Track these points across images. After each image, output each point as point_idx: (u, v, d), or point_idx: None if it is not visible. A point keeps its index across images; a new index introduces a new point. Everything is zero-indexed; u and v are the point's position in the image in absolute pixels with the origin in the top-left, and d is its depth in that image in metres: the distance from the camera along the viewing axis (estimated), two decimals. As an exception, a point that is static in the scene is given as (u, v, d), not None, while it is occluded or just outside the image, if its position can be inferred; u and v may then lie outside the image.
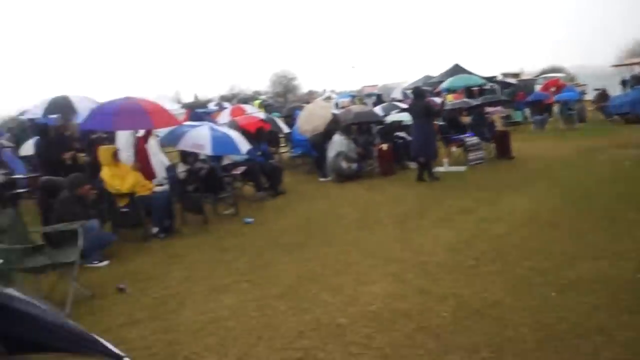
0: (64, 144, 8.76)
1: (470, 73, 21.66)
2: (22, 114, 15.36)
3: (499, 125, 14.19)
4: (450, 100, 16.40)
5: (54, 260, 4.94)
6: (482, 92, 19.80)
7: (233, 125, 10.55)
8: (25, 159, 10.68)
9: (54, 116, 10.24)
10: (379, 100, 22.55)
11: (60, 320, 2.62)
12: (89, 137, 10.62)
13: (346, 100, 24.98)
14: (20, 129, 14.23)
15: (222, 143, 8.15)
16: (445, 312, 4.09)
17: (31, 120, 12.36)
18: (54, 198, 7.07)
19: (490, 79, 23.05)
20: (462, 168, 10.74)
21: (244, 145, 8.59)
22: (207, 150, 8.01)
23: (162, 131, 8.64)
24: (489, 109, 13.88)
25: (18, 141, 12.52)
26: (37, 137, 9.82)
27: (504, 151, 11.58)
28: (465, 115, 12.71)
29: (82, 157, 8.98)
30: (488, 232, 6.12)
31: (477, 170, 10.54)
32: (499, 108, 16.23)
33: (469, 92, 19.21)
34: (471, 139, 11.22)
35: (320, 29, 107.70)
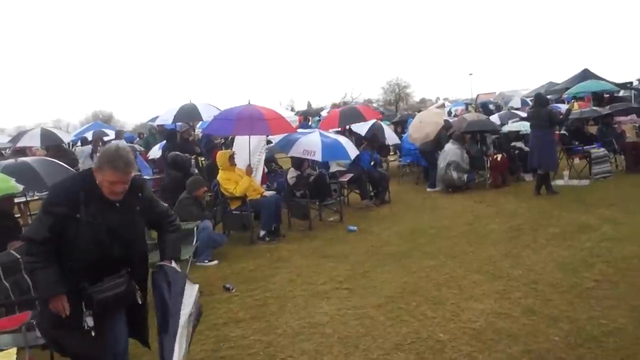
0: (188, 148, 9.49)
1: (600, 79, 19.95)
2: (153, 120, 16.77)
3: (631, 136, 12.89)
4: (576, 108, 15.24)
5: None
6: (613, 99, 18.14)
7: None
8: (152, 161, 11.62)
9: (181, 123, 11.13)
10: (498, 108, 21.59)
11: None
12: (212, 142, 11.41)
13: (460, 108, 24.23)
14: (150, 134, 15.51)
15: (332, 149, 8.43)
16: (556, 337, 3.79)
17: (160, 126, 13.51)
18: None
19: (624, 85, 21.08)
20: (585, 182, 9.91)
21: (353, 151, 8.72)
22: (317, 157, 8.24)
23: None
24: (619, 118, 12.68)
25: (147, 145, 13.64)
26: (164, 142, 10.72)
27: (634, 164, 10.50)
28: (592, 124, 11.74)
29: (202, 160, 9.66)
30: (611, 253, 5.57)
31: (602, 184, 9.67)
32: (632, 117, 14.75)
33: (598, 99, 17.70)
34: (597, 150, 10.32)
35: (436, 35, 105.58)
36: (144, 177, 8.07)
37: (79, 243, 2.84)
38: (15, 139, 13.51)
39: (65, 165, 7.00)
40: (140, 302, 3.10)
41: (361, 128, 12.08)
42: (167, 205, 3.42)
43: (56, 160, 7.06)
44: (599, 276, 4.92)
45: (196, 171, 9.40)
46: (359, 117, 11.94)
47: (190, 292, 3.17)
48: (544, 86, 24.28)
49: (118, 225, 2.93)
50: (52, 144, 12.09)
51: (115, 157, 2.85)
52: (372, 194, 9.72)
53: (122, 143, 3.02)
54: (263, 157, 8.95)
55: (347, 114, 12.13)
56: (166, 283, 3.10)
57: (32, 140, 12.29)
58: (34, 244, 2.84)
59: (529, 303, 4.45)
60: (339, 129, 11.84)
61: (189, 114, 11.23)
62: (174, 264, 3.22)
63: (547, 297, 4.53)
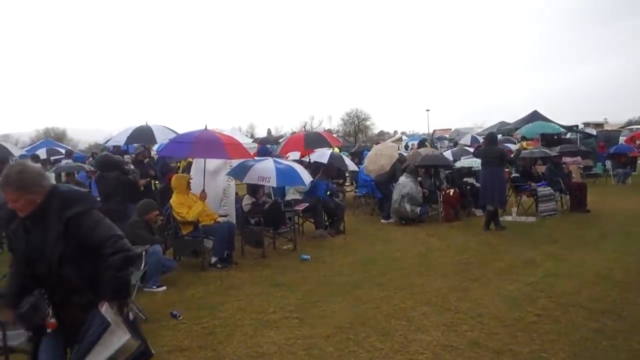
0: (142, 170, 9.30)
1: (549, 121, 20.90)
2: (107, 141, 16.41)
3: (576, 177, 13.52)
4: (526, 147, 15.89)
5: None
6: (560, 141, 19.02)
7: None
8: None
9: (137, 144, 10.93)
10: (455, 145, 22.23)
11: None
12: (168, 165, 11.23)
13: (416, 142, 24.81)
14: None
15: (286, 175, 8.43)
16: (499, 370, 3.85)
17: (116, 147, 13.22)
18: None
19: (570, 128, 22.15)
20: (531, 219, 10.28)
21: (307, 178, 8.79)
22: (272, 183, 8.25)
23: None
24: (566, 159, 13.31)
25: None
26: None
27: (579, 204, 11.00)
28: (540, 164, 12.25)
29: (156, 183, 9.48)
30: (554, 288, 5.76)
31: (547, 222, 10.04)
32: (577, 158, 15.52)
33: (546, 140, 18.53)
34: (543, 189, 10.75)
35: (397, 69, 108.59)
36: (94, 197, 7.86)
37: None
38: None
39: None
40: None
41: (321, 158, 12.21)
42: (113, 232, 2.87)
43: None
44: (541, 311, 5.06)
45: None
46: (323, 142, 12.09)
47: (110, 343, 2.77)
48: (496, 125, 25.21)
49: (29, 244, 2.83)
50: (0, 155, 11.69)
51: (2, 174, 2.84)
52: (327, 223, 9.76)
53: (25, 163, 2.78)
54: (233, 182, 8.96)
55: (312, 138, 12.26)
56: (87, 326, 2.77)
57: None
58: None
59: (474, 336, 4.52)
60: (300, 154, 11.97)
61: (142, 136, 11.03)
62: (105, 309, 2.75)
63: (492, 331, 4.62)
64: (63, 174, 11.86)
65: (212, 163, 8.50)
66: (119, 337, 2.80)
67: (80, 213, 2.84)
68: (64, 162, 14.00)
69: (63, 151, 17.99)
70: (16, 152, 13.62)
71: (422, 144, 17.84)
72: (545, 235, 8.69)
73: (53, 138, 44.16)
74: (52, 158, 16.95)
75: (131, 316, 2.96)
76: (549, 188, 10.81)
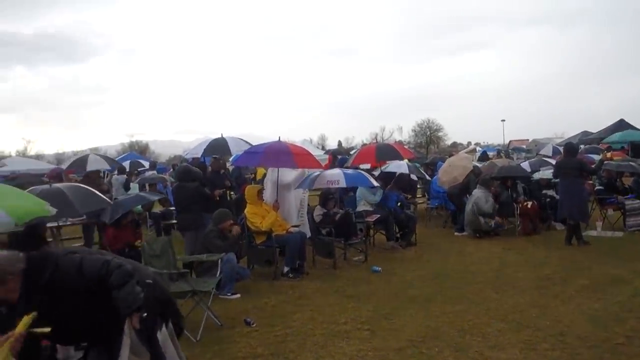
0: (218, 180, 9.66)
1: (636, 129, 19.58)
2: (186, 153, 17.20)
3: (669, 189, 12.53)
4: (610, 158, 14.96)
5: (194, 287, 5.36)
6: (651, 150, 17.74)
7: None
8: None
9: (215, 156, 11.39)
10: (536, 154, 21.37)
11: None
12: (242, 176, 11.62)
13: (492, 153, 24.05)
14: (182, 167, 15.85)
15: (354, 178, 8.71)
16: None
17: (196, 158, 13.82)
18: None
19: (662, 137, 20.62)
20: (618, 234, 9.64)
21: (374, 182, 8.89)
22: (342, 184, 8.43)
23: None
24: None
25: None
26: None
27: (672, 218, 10.17)
28: (628, 175, 11.50)
29: (231, 194, 9.80)
30: (645, 308, 5.37)
31: (636, 237, 9.37)
32: (670, 170, 14.38)
33: (636, 150, 17.36)
34: (631, 202, 10.06)
35: (471, 78, 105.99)
36: (173, 208, 8.25)
37: None
38: (76, 164, 14.17)
39: (98, 193, 7.20)
40: None
41: (398, 169, 12.13)
42: (99, 262, 2.93)
43: (89, 188, 7.25)
44: (631, 332, 4.72)
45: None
46: (395, 154, 12.05)
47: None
48: (578, 135, 23.96)
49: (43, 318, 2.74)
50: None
51: None
52: (398, 235, 9.66)
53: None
54: (307, 193, 9.16)
55: (384, 150, 12.25)
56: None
57: (100, 164, 13.19)
58: None
59: (555, 355, 4.30)
60: (371, 166, 11.99)
61: (218, 148, 11.47)
62: (127, 326, 2.84)
63: (575, 351, 4.37)
64: (147, 184, 12.57)
65: (289, 175, 8.66)
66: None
67: (54, 271, 2.85)
68: (148, 173, 14.82)
69: (146, 164, 19.02)
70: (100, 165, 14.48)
71: (485, 155, 17.29)
72: (635, 252, 8.10)
73: (137, 151, 46.86)
74: (137, 170, 17.99)
75: (160, 337, 2.99)
76: (638, 201, 10.11)
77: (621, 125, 20.21)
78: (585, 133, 24.20)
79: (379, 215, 9.31)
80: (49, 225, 7.31)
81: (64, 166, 14.91)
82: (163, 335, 2.96)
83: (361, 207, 9.80)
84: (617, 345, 4.47)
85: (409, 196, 13.04)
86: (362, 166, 12.52)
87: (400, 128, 63.46)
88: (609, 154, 13.08)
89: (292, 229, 7.85)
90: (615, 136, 18.06)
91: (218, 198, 8.88)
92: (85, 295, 2.87)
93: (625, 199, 10.18)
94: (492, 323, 5.16)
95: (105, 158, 14.19)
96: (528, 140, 35.26)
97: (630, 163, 12.19)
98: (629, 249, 8.35)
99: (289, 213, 8.48)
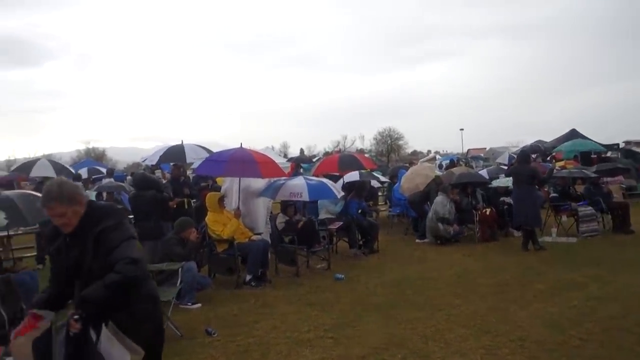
0: (177, 188, 9.45)
1: (587, 139, 20.37)
2: (144, 160, 16.80)
3: (618, 197, 13.05)
4: (560, 166, 15.50)
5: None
6: (601, 159, 18.49)
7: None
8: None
9: (172, 164, 11.13)
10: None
11: None
12: (200, 184, 11.39)
13: (446, 162, 24.54)
14: (140, 174, 15.44)
15: (317, 190, 8.48)
16: (542, 396, 3.70)
17: (154, 165, 13.48)
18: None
19: (611, 147, 21.52)
20: (572, 239, 9.95)
21: (338, 192, 8.82)
22: (305, 197, 8.28)
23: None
24: (606, 179, 12.88)
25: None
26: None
27: (621, 224, 10.61)
28: (580, 183, 11.91)
29: (192, 201, 9.59)
30: (598, 312, 5.54)
31: (589, 243, 9.71)
32: (619, 178, 15.00)
33: (585, 159, 18.05)
34: (585, 209, 10.42)
35: (430, 88, 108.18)
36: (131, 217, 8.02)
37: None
38: (23, 168, 13.43)
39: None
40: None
41: (352, 178, 12.17)
42: (129, 254, 2.84)
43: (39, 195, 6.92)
44: (586, 335, 4.86)
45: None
46: (358, 165, 12.09)
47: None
48: (533, 143, 24.74)
49: (70, 261, 2.88)
50: (67, 173, 12.14)
51: (43, 192, 2.90)
52: (360, 243, 9.69)
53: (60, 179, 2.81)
54: (270, 203, 9.04)
55: (346, 160, 12.27)
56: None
57: (46, 171, 12.23)
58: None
59: (515, 360, 4.38)
60: (337, 174, 11.98)
61: (175, 155, 11.21)
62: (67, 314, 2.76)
63: (534, 355, 4.46)
64: (104, 192, 12.17)
65: (257, 181, 8.53)
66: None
67: (109, 227, 2.87)
68: (105, 180, 14.36)
69: (104, 170, 18.46)
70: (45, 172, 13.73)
71: (452, 163, 17.59)
72: (588, 257, 8.39)
73: (93, 158, 45.57)
74: (92, 177, 17.43)
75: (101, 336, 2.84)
76: (591, 208, 10.48)
77: (573, 134, 21.01)
78: (540, 142, 25.03)
79: (341, 223, 9.33)
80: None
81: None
82: (104, 334, 2.84)
83: (323, 215, 9.80)
84: (574, 347, 4.59)
85: (371, 203, 13.12)
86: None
87: (362, 136, 64.06)
88: (560, 163, 13.54)
89: (254, 237, 7.75)
90: (565, 145, 18.77)
91: (175, 206, 8.66)
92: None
93: (579, 206, 10.53)
94: (454, 329, 5.21)
95: (55, 164, 13.21)
96: (485, 148, 36.10)
97: (583, 170, 12.66)
98: (582, 255, 8.63)
99: (257, 220, 8.37)
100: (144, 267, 3.07)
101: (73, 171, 14.21)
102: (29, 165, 13.29)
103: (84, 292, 2.77)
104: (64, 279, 2.95)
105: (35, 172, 12.27)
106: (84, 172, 16.90)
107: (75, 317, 2.70)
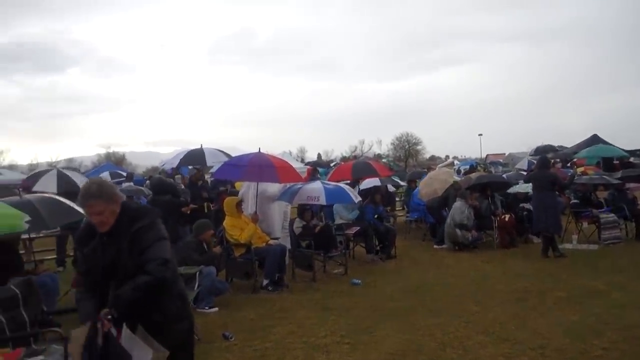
0: (195, 192, 9.53)
1: (609, 144, 20.04)
2: (164, 164, 17.00)
3: (642, 203, 12.79)
4: (584, 173, 15.25)
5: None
6: (624, 165, 18.15)
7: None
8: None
9: (191, 167, 11.25)
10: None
11: None
12: (218, 188, 11.47)
13: (468, 167, 24.35)
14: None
15: (335, 194, 8.49)
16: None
17: (174, 169, 13.60)
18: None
19: (634, 152, 21.16)
20: (593, 246, 9.78)
21: (356, 196, 8.80)
22: (322, 201, 8.29)
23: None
24: (631, 185, 12.64)
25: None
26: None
27: (646, 231, 10.38)
28: (603, 189, 11.71)
29: (210, 205, 9.66)
30: (621, 320, 5.42)
31: (611, 250, 9.53)
32: (643, 184, 14.69)
33: (608, 165, 17.73)
34: (607, 216, 10.24)
35: (449, 92, 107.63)
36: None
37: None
38: (31, 180, 13.46)
39: (71, 204, 6.90)
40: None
41: (371, 184, 12.15)
42: (161, 254, 2.91)
43: (62, 199, 6.94)
44: (608, 344, 4.76)
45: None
46: (372, 172, 12.05)
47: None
48: (545, 145, 24.42)
49: (106, 261, 2.90)
50: (69, 190, 11.88)
51: (81, 190, 2.96)
52: (378, 248, 9.65)
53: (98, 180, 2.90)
54: (289, 208, 9.06)
55: (360, 167, 12.25)
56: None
57: (48, 186, 11.74)
58: (80, 275, 3.08)
59: (535, 368, 4.31)
60: (349, 181, 11.94)
61: (194, 159, 11.30)
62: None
63: (555, 363, 4.39)
64: (125, 196, 12.27)
65: (273, 186, 8.54)
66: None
67: (144, 227, 2.93)
68: (125, 184, 14.53)
69: (124, 174, 18.74)
70: (79, 180, 13.50)
71: (472, 169, 17.42)
72: (610, 264, 8.24)
73: (113, 162, 46.19)
74: (113, 181, 17.68)
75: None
76: (613, 215, 10.29)
77: (594, 140, 20.68)
78: (560, 147, 24.71)
79: (358, 228, 9.31)
80: (22, 237, 7.08)
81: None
82: (125, 332, 2.87)
83: (339, 220, 9.80)
84: (595, 357, 4.50)
85: (389, 209, 13.07)
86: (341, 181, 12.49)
87: (379, 141, 63.84)
88: (580, 169, 13.32)
89: (272, 242, 7.77)
90: (586, 151, 18.45)
91: (189, 212, 8.70)
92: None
93: (600, 212, 10.35)
94: (472, 336, 5.15)
95: (60, 178, 12.35)
96: (505, 154, 35.81)
97: (603, 176, 12.44)
98: (604, 262, 8.47)
99: (272, 225, 8.38)
100: (174, 267, 3.15)
101: (78, 183, 13.84)
102: (38, 175, 13.10)
103: (117, 291, 2.82)
104: (100, 280, 2.95)
105: (39, 187, 12.04)
106: (106, 176, 17.11)
107: (109, 316, 2.75)
